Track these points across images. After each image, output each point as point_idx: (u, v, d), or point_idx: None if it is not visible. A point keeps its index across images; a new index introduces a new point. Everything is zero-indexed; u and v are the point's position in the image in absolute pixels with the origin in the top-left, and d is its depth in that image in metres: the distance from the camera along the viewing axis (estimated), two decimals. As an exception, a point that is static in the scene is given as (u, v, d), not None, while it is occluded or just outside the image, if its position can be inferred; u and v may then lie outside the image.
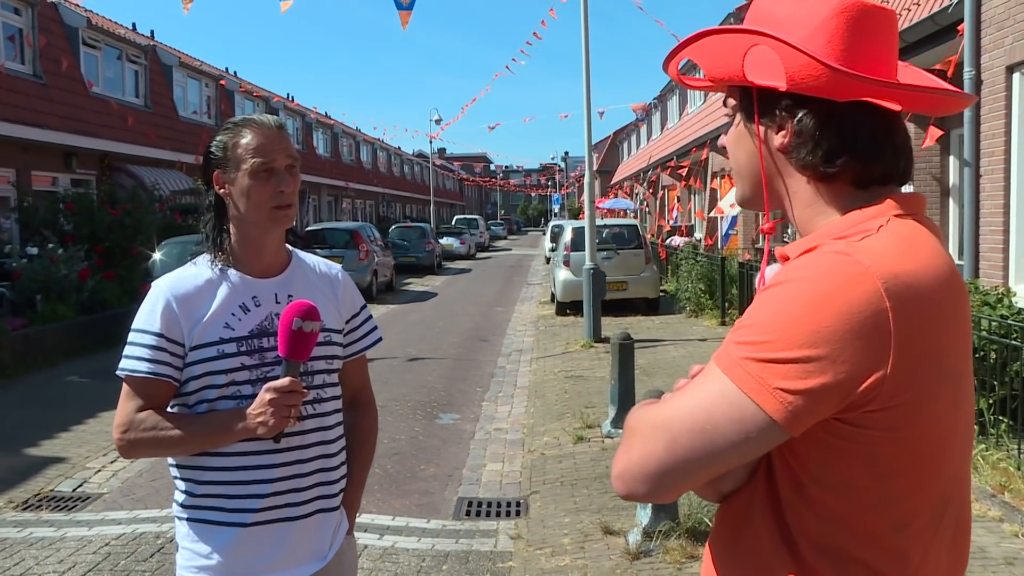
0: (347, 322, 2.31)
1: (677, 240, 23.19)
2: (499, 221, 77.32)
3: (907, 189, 7.90)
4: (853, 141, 1.23)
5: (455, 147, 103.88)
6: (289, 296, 2.15)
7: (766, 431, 1.13)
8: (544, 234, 41.12)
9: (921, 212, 1.27)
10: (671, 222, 27.20)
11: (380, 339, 2.44)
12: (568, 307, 16.16)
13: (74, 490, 6.64)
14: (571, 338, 13.34)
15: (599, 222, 17.10)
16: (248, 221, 2.12)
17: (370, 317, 2.41)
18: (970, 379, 1.27)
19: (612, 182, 52.18)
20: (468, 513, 6.02)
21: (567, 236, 17.03)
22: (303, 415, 2.11)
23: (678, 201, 27.59)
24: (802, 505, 1.20)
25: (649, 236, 24.71)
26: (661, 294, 17.34)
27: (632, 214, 34.71)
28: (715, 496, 1.33)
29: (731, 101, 1.37)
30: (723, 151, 18.41)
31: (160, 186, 19.12)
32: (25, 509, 6.23)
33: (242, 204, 2.09)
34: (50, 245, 13.55)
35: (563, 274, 16.17)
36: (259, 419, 1.98)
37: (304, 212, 34.35)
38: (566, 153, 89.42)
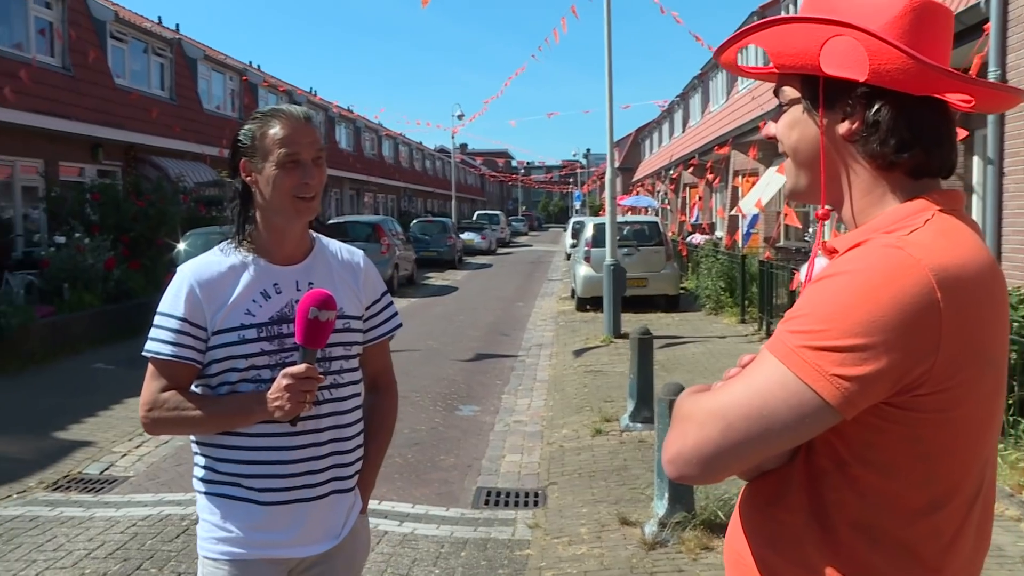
0: (367, 308, 2.36)
1: (698, 238, 23.16)
2: (520, 217, 77.22)
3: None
4: (920, 133, 1.28)
5: (477, 143, 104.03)
6: (310, 284, 2.20)
7: (821, 415, 1.19)
8: (565, 231, 41.12)
9: (960, 208, 1.33)
10: (692, 220, 27.15)
11: (400, 325, 2.49)
12: (588, 303, 16.20)
13: (101, 473, 6.78)
14: (591, 333, 13.38)
15: (620, 219, 17.12)
16: (272, 210, 2.17)
17: (391, 303, 2.45)
18: (1006, 366, 1.33)
19: (634, 179, 52.08)
20: (487, 502, 6.09)
21: (588, 232, 17.04)
22: (319, 400, 2.18)
23: (699, 199, 27.53)
24: (844, 483, 1.25)
25: (670, 233, 24.66)
26: (681, 291, 17.34)
27: (654, 212, 34.67)
28: (754, 474, 1.38)
29: (788, 91, 1.39)
30: (742, 149, 18.15)
31: (184, 178, 19.29)
32: (55, 490, 6.38)
33: (268, 193, 2.15)
34: (77, 235, 13.74)
35: (583, 270, 16.22)
36: (276, 403, 2.05)
37: (326, 206, 34.55)
38: (588, 150, 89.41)
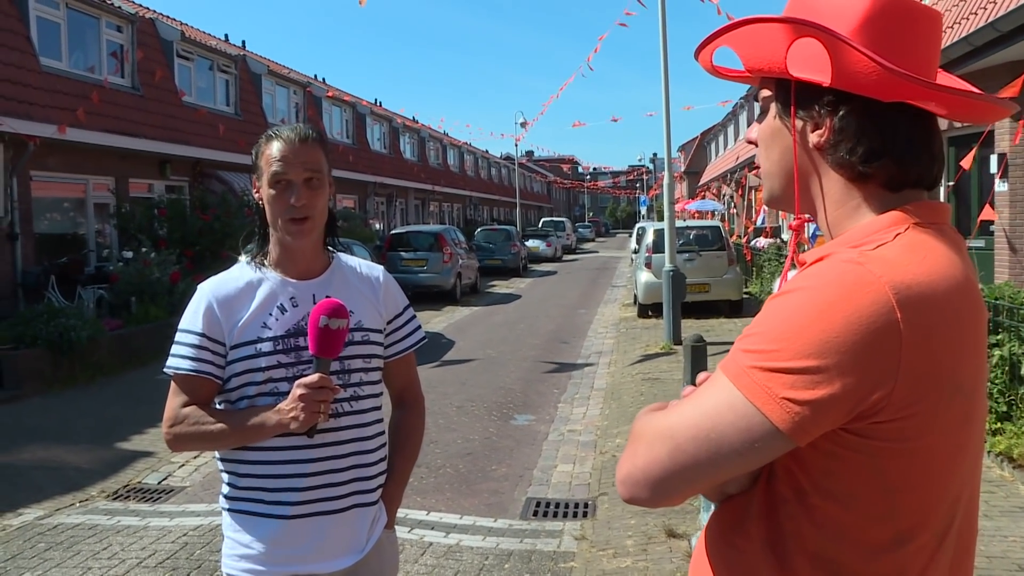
0: (389, 322, 2.35)
1: (762, 242, 22.75)
2: (587, 223, 77.05)
3: (1001, 188, 7.45)
4: (892, 143, 1.21)
5: (543, 151, 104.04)
6: (327, 297, 2.21)
7: (771, 440, 1.11)
8: (631, 236, 40.90)
9: (944, 221, 1.24)
10: (756, 223, 26.70)
11: (424, 339, 2.48)
12: (650, 309, 16.03)
13: (159, 483, 6.93)
14: (651, 340, 13.23)
15: (682, 224, 16.90)
16: (274, 228, 2.21)
17: (413, 318, 2.45)
18: (984, 393, 1.24)
19: (700, 183, 51.53)
20: (535, 513, 6.04)
21: (649, 238, 16.87)
22: (338, 412, 2.17)
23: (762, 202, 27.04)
24: (802, 513, 1.17)
25: (734, 238, 24.27)
26: (745, 296, 17.05)
27: (720, 216, 34.22)
28: (718, 498, 1.31)
29: (765, 93, 1.33)
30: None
31: (249, 192, 19.65)
32: (115, 499, 6.55)
33: (267, 211, 2.19)
34: (144, 249, 14.11)
35: (644, 276, 16.05)
36: (291, 414, 2.05)
37: (391, 215, 34.93)
38: (654, 155, 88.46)
